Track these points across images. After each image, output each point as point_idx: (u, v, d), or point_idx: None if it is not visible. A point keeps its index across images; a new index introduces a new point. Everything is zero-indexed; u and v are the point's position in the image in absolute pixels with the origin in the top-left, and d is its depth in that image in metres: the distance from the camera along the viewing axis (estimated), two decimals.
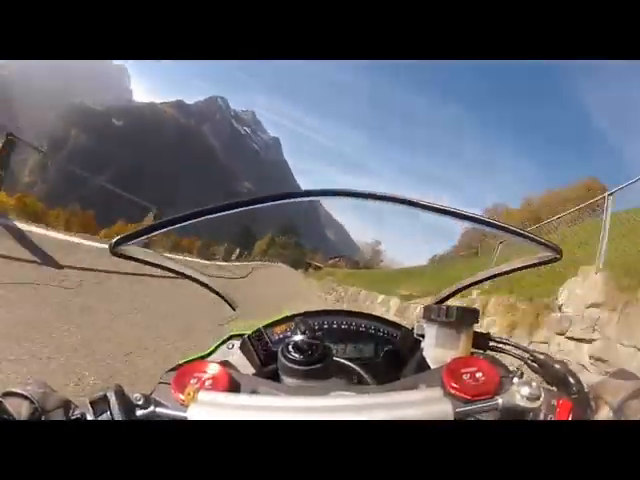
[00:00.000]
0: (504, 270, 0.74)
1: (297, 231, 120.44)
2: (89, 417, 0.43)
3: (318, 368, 0.53)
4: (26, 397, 0.42)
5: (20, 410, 0.41)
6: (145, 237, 0.55)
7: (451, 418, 0.41)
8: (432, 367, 0.63)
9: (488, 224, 0.59)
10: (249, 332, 0.73)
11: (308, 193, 0.57)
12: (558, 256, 0.61)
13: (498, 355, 0.66)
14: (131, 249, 0.58)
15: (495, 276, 0.77)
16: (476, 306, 0.83)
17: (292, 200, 0.57)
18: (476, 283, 0.80)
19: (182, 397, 0.45)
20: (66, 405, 0.44)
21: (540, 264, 0.66)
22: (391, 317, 5.89)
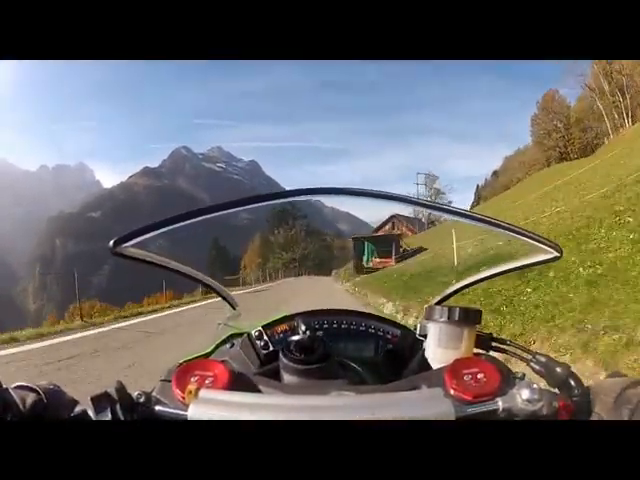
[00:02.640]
0: (504, 269, 0.74)
1: (300, 211, 65.35)
2: (90, 413, 0.43)
3: (319, 367, 0.53)
4: (33, 389, 0.45)
5: (25, 400, 0.43)
6: (145, 236, 0.55)
7: (452, 418, 0.40)
8: (434, 368, 0.62)
9: (490, 223, 0.59)
10: (249, 331, 0.72)
11: (310, 191, 0.57)
12: (558, 255, 0.61)
13: (500, 356, 0.66)
14: (131, 249, 0.58)
15: (495, 275, 0.77)
16: None
17: (294, 198, 0.57)
18: (477, 282, 0.80)
19: (183, 395, 0.45)
20: (69, 401, 0.46)
21: (540, 263, 0.66)
22: None
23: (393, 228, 45.82)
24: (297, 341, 0.55)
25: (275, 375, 0.56)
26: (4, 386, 0.44)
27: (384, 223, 49.03)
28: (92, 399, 0.43)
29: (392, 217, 48.54)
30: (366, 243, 28.12)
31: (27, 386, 0.45)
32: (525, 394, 0.44)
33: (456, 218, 0.59)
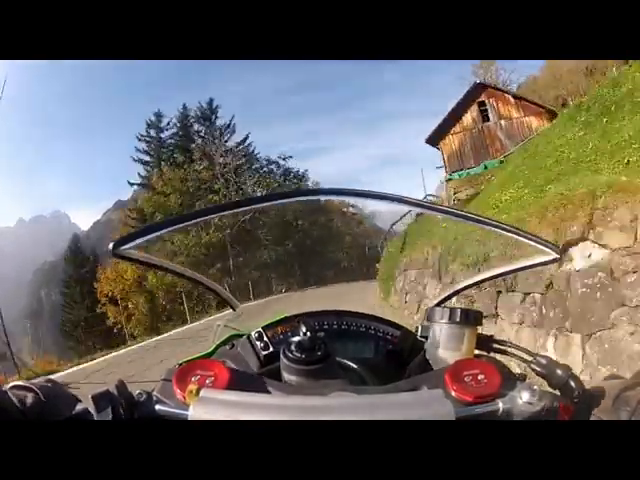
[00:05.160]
0: (504, 271, 0.74)
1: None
2: (91, 412, 0.43)
3: (320, 367, 0.53)
4: (31, 389, 0.44)
5: (25, 400, 0.43)
6: (145, 238, 0.55)
7: (452, 419, 0.40)
8: (435, 369, 0.62)
9: (489, 224, 0.59)
10: (250, 332, 0.72)
11: (307, 192, 0.57)
12: (558, 256, 0.61)
13: (501, 358, 0.66)
14: (131, 251, 0.58)
15: (495, 277, 0.77)
16: None
17: (294, 199, 0.57)
18: (476, 284, 0.80)
19: (184, 394, 0.45)
20: (69, 399, 0.46)
21: (539, 265, 0.66)
22: None
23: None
24: (298, 341, 0.55)
25: (276, 375, 0.56)
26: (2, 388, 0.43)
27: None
28: (93, 398, 0.43)
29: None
30: None
31: (23, 385, 0.44)
32: (525, 395, 0.44)
33: (454, 218, 0.59)
